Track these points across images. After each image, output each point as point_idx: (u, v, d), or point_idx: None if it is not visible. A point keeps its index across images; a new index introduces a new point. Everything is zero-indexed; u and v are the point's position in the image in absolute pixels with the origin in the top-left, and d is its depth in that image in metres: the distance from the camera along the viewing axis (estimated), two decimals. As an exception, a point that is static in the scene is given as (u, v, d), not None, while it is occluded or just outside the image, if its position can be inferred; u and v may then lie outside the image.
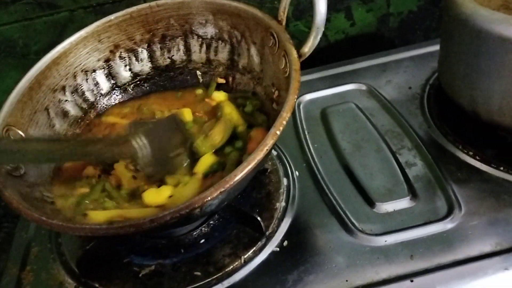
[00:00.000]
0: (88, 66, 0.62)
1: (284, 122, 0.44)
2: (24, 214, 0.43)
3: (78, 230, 0.40)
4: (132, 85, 0.66)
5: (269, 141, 0.43)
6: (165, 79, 0.66)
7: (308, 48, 0.50)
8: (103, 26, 0.62)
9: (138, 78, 0.66)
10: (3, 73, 0.79)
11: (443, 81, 0.64)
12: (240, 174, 0.41)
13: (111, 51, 0.63)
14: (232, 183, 0.41)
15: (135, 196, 0.52)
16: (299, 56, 0.50)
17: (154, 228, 0.40)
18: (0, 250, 0.80)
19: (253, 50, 0.59)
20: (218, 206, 0.47)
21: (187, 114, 0.59)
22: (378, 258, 0.50)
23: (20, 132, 0.53)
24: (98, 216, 0.49)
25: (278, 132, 0.44)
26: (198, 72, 0.65)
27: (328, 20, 0.82)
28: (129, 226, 0.40)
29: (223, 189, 0.41)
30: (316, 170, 0.61)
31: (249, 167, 0.41)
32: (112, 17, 0.61)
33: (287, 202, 0.58)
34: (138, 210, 0.49)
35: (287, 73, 0.50)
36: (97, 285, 0.52)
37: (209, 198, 0.40)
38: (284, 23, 0.54)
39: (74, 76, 0.61)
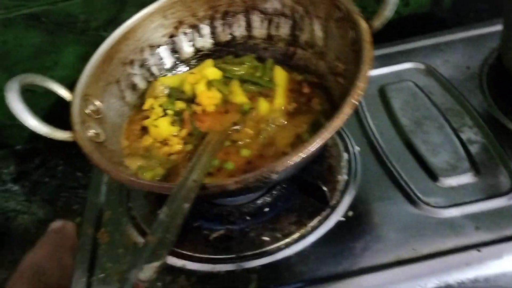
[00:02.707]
0: (154, 41, 0.66)
1: (360, 92, 0.47)
2: (114, 175, 0.47)
3: (167, 189, 0.44)
4: (194, 60, 0.69)
5: (347, 110, 0.46)
6: (226, 54, 0.69)
7: (380, 21, 0.52)
8: (169, 3, 0.65)
9: (200, 53, 0.69)
10: (63, 48, 0.83)
11: (506, 60, 0.66)
12: (319, 140, 0.44)
13: (175, 27, 0.67)
14: (311, 148, 0.44)
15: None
16: (370, 28, 0.52)
17: (237, 189, 0.44)
18: (58, 217, 0.86)
19: (317, 25, 0.62)
20: (290, 173, 0.50)
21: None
22: (444, 229, 0.53)
23: (98, 102, 0.58)
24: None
25: (354, 101, 0.46)
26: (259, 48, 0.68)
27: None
28: (216, 186, 0.44)
29: (303, 154, 0.44)
30: (377, 146, 0.63)
31: (328, 133, 0.44)
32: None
33: (349, 175, 0.60)
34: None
35: (357, 46, 0.53)
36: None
37: (290, 163, 0.43)
38: (352, -4, 0.56)
39: (141, 51, 0.65)
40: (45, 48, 0.84)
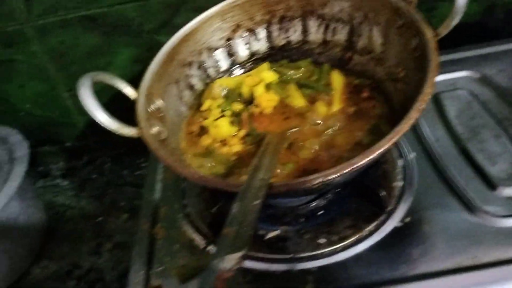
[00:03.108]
0: (212, 44, 0.68)
1: (426, 98, 0.47)
2: (181, 172, 0.48)
3: (236, 187, 0.45)
4: (249, 63, 0.71)
5: (414, 114, 0.46)
6: (280, 58, 0.70)
7: (447, 30, 0.52)
8: (228, 6, 0.67)
9: (255, 57, 0.71)
10: (117, 50, 0.86)
11: None
12: (387, 143, 0.44)
13: (232, 31, 0.69)
14: (379, 151, 0.44)
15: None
16: (435, 35, 0.53)
17: (303, 190, 0.45)
18: (105, 214, 0.89)
19: (376, 31, 0.62)
20: (352, 176, 0.51)
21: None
22: (504, 238, 0.53)
23: (160, 101, 0.60)
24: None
25: (421, 107, 0.47)
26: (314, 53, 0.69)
27: (434, 8, 0.84)
28: (283, 186, 0.45)
29: (371, 157, 0.44)
30: (433, 153, 0.63)
31: (396, 137, 0.45)
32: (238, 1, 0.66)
33: (404, 181, 0.61)
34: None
35: (419, 53, 0.53)
36: (225, 245, 0.57)
37: (358, 165, 0.44)
38: (414, 3, 0.57)
39: (200, 53, 0.67)
40: (100, 49, 0.87)
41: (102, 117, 0.52)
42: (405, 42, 0.57)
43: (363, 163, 0.44)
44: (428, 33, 0.53)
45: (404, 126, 0.45)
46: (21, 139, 0.86)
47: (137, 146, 1.00)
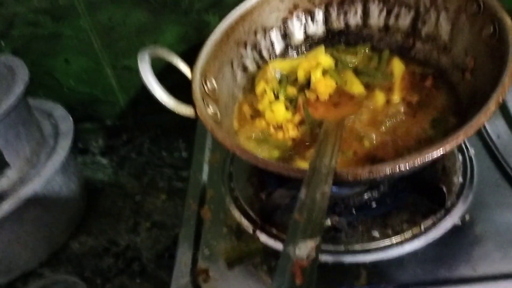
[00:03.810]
0: (268, 24, 0.66)
1: (506, 88, 0.44)
2: (239, 152, 0.47)
3: (300, 173, 0.44)
4: (304, 46, 0.69)
5: (492, 106, 0.43)
6: (337, 42, 0.68)
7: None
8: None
9: (310, 40, 0.69)
10: (165, 28, 0.85)
11: None
12: (462, 135, 0.42)
13: (289, 11, 0.67)
14: (453, 143, 0.42)
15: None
16: (515, 24, 0.50)
17: (367, 179, 0.43)
18: (144, 193, 0.89)
19: (443, 17, 0.59)
20: (416, 169, 0.48)
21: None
22: None
23: (214, 81, 0.58)
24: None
25: (500, 98, 0.44)
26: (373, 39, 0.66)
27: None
28: (348, 173, 0.43)
29: (444, 149, 0.42)
30: (494, 149, 0.60)
31: (472, 130, 0.42)
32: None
33: (464, 178, 0.58)
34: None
35: (496, 42, 0.50)
36: (274, 231, 0.56)
37: (429, 157, 0.42)
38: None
39: (255, 33, 0.66)
40: (147, 26, 0.86)
41: (160, 93, 0.51)
42: (478, 30, 0.54)
43: (435, 155, 0.42)
44: (509, 22, 0.50)
45: (481, 118, 0.43)
46: (65, 114, 0.86)
47: (172, 128, 1.00)
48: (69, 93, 0.97)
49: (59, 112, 0.87)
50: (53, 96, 0.94)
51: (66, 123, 0.84)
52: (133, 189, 0.92)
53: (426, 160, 0.41)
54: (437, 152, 0.41)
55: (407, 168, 0.42)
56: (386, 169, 0.42)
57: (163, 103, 0.52)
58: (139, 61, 0.51)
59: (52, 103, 0.90)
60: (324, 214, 0.37)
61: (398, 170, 0.42)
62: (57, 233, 0.82)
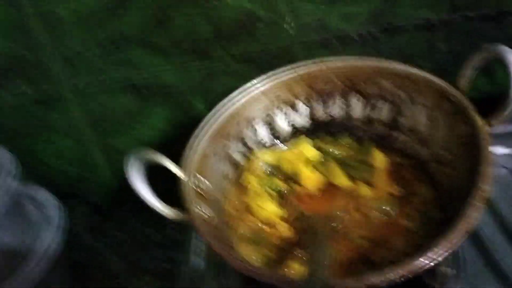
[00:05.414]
0: (254, 117, 0.69)
1: (486, 194, 0.48)
2: (233, 264, 0.48)
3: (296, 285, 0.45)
4: (290, 137, 0.72)
5: (474, 214, 0.46)
6: (323, 133, 0.71)
7: (499, 121, 0.53)
8: (273, 84, 0.68)
9: (297, 131, 0.72)
10: (151, 111, 0.88)
11: None
12: (448, 246, 0.45)
13: (274, 106, 0.70)
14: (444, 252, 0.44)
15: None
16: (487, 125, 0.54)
17: None
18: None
19: (421, 112, 0.63)
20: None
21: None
22: None
23: (205, 180, 0.60)
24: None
25: (479, 204, 0.47)
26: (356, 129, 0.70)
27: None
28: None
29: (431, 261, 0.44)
30: (479, 238, 0.63)
31: (457, 241, 0.45)
32: (283, 77, 0.68)
33: (452, 267, 0.60)
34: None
35: (468, 140, 0.54)
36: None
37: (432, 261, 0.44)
38: (465, 91, 0.58)
39: (243, 127, 0.68)
40: (135, 110, 0.89)
41: (151, 199, 0.54)
42: (452, 127, 0.58)
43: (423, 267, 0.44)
44: (480, 123, 0.54)
45: (463, 226, 0.45)
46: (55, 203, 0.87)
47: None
48: (53, 172, 0.97)
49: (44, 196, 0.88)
50: (35, 175, 0.95)
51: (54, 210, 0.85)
52: (117, 270, 0.92)
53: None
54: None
55: (397, 279, 0.44)
56: (374, 280, 0.43)
57: (151, 206, 0.54)
58: (128, 168, 0.53)
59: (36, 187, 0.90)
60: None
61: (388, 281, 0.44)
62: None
